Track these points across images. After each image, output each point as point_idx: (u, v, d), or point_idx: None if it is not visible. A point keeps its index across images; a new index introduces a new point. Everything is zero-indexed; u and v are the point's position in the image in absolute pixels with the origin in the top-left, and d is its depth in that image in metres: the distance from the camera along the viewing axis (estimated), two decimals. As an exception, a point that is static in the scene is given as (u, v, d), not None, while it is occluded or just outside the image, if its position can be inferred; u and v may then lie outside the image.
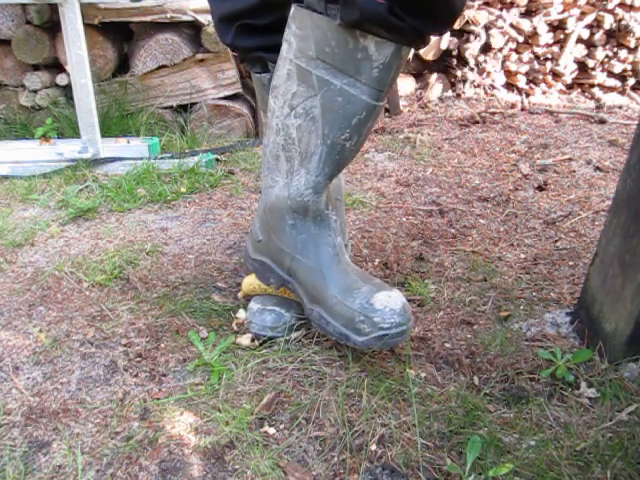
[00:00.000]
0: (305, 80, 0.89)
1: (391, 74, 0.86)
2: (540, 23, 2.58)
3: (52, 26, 2.01)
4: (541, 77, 2.71)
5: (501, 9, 2.60)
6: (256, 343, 1.02)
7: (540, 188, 1.71)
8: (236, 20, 0.99)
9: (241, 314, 1.09)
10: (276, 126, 0.95)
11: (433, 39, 2.26)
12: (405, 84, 2.67)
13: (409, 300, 1.15)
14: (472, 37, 2.57)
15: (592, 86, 2.74)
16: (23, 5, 1.98)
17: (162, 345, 1.03)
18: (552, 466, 0.77)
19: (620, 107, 2.58)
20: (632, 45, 2.63)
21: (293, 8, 0.87)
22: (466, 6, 2.51)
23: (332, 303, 0.95)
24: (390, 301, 0.91)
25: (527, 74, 2.71)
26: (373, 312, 0.91)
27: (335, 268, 0.97)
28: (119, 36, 2.17)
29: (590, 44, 2.67)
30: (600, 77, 2.71)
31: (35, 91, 2.10)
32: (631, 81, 2.74)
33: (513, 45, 2.65)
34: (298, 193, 0.97)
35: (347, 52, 0.84)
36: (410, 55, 2.56)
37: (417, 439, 0.82)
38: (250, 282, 1.10)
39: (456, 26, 2.56)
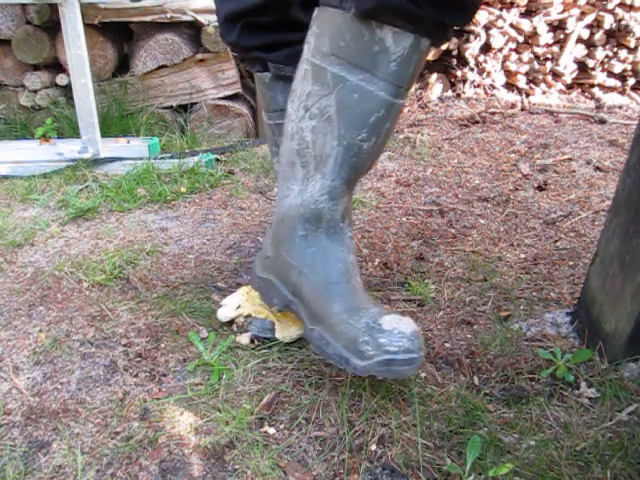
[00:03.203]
0: (320, 78, 0.84)
1: (410, 69, 0.80)
2: (540, 23, 2.58)
3: (52, 26, 2.01)
4: (541, 77, 2.71)
5: (501, 9, 2.60)
6: (256, 342, 1.02)
7: (540, 188, 1.71)
8: (241, 18, 0.99)
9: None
10: (291, 131, 0.91)
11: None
12: (405, 84, 2.66)
13: (409, 300, 1.16)
14: (472, 37, 2.57)
15: (592, 86, 2.74)
16: (23, 5, 1.98)
17: (162, 345, 1.03)
18: (552, 466, 0.77)
19: (620, 107, 2.58)
20: (632, 45, 2.63)
21: (315, 9, 0.84)
22: None
23: (335, 321, 0.86)
24: (400, 324, 0.82)
25: (527, 74, 2.71)
26: (380, 332, 0.81)
27: (343, 285, 0.89)
28: (119, 36, 2.17)
29: (590, 44, 2.67)
30: (600, 77, 2.71)
31: (35, 91, 2.09)
32: (631, 81, 2.74)
33: (513, 45, 2.65)
34: (312, 200, 0.90)
35: (362, 45, 0.79)
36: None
37: (417, 439, 0.82)
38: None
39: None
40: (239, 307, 1.06)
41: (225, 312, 1.06)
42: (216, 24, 2.02)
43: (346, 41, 0.80)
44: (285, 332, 1.01)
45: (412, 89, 2.68)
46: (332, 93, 0.84)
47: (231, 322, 1.07)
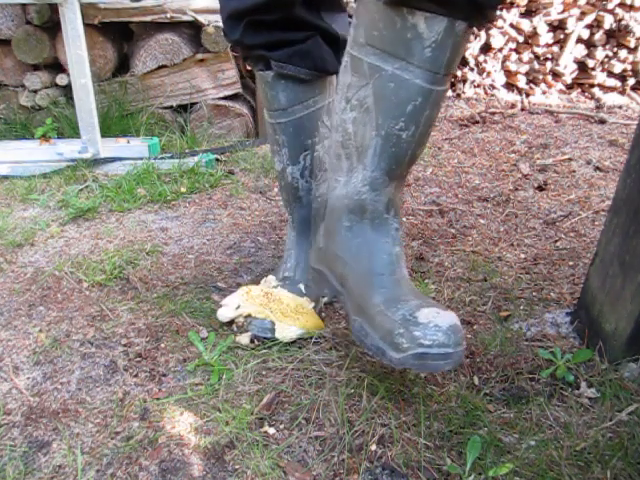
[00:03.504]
0: (357, 69, 0.84)
1: (447, 54, 0.78)
2: (540, 23, 2.58)
3: (52, 26, 2.01)
4: (541, 77, 2.71)
5: (501, 9, 2.60)
6: (256, 342, 1.02)
7: (540, 188, 1.71)
8: (245, 16, 0.99)
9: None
10: (335, 123, 0.91)
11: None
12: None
13: (409, 300, 1.15)
14: (472, 37, 2.57)
15: (592, 86, 2.74)
16: (23, 5, 1.98)
17: (162, 345, 1.03)
18: (552, 466, 0.77)
19: (620, 107, 2.58)
20: (632, 45, 2.63)
21: (357, 2, 0.83)
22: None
23: (374, 313, 0.85)
24: (437, 317, 0.79)
25: (527, 74, 2.71)
26: (415, 325, 0.79)
27: (387, 277, 0.88)
28: (119, 36, 2.17)
29: (590, 44, 2.67)
30: (600, 77, 2.71)
31: (35, 91, 2.10)
32: (631, 81, 2.74)
33: (513, 45, 2.65)
34: (355, 191, 0.90)
35: (395, 33, 0.78)
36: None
37: (417, 439, 0.82)
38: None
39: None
40: (239, 307, 1.06)
41: (225, 312, 1.06)
42: (216, 24, 2.02)
43: (379, 30, 0.79)
44: (285, 332, 1.01)
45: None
46: (369, 83, 0.83)
47: (231, 322, 1.07)
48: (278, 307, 1.04)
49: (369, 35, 0.81)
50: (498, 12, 0.82)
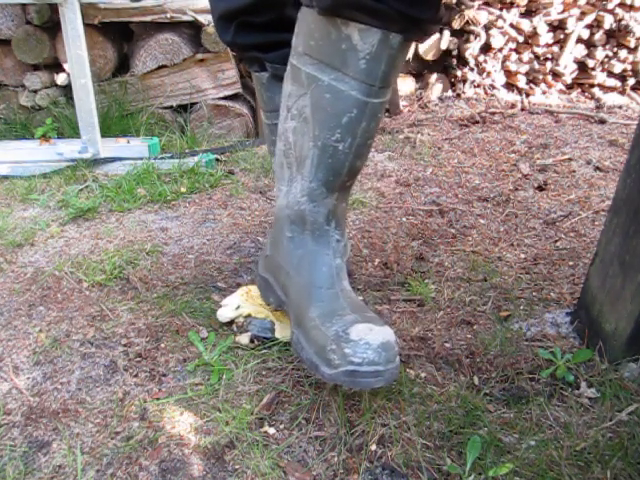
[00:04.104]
0: (297, 78, 0.84)
1: (382, 66, 0.77)
2: (540, 23, 2.58)
3: (52, 26, 2.01)
4: (541, 77, 2.71)
5: (501, 9, 2.60)
6: (256, 342, 1.02)
7: (540, 188, 1.71)
8: (235, 18, 0.99)
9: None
10: (279, 131, 0.90)
11: (430, 36, 2.21)
12: (405, 84, 2.67)
13: (409, 300, 1.16)
14: (472, 37, 2.57)
15: (592, 86, 2.74)
16: (23, 5, 1.98)
17: (162, 345, 1.03)
18: (552, 466, 0.77)
19: (620, 107, 2.58)
20: (632, 45, 2.63)
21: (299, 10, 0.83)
22: (460, 9, 2.51)
23: (310, 326, 0.85)
24: (369, 334, 0.78)
25: (527, 74, 2.71)
26: (346, 342, 0.78)
27: (325, 290, 0.88)
28: (119, 36, 2.17)
29: (590, 44, 2.67)
30: (600, 77, 2.71)
31: (35, 91, 2.10)
32: (631, 81, 2.74)
33: (513, 45, 2.65)
34: (295, 201, 0.90)
35: (331, 43, 0.77)
36: (410, 54, 2.56)
37: (417, 439, 0.82)
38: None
39: (456, 26, 2.56)
40: (239, 307, 1.06)
41: (225, 312, 1.06)
42: (216, 24, 2.02)
43: (316, 40, 0.79)
44: (285, 332, 1.01)
45: (412, 89, 2.68)
46: (307, 93, 0.82)
47: (231, 322, 1.07)
48: None
49: (307, 45, 0.80)
50: (437, 28, 0.81)
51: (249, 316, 1.05)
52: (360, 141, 0.84)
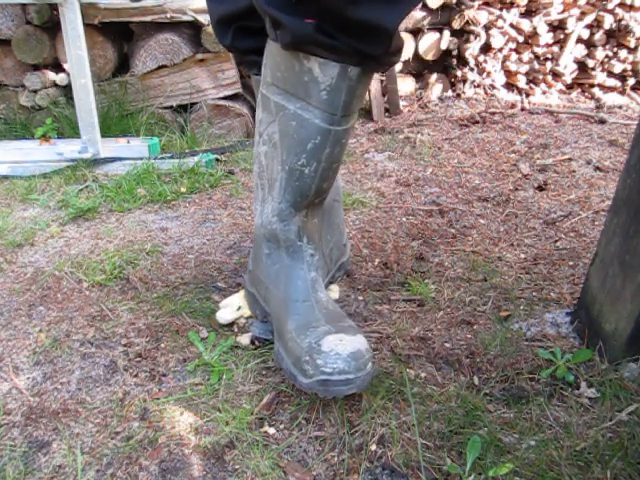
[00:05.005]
0: (266, 106, 0.89)
1: (342, 96, 0.82)
2: (540, 23, 2.58)
3: (52, 26, 2.01)
4: (541, 77, 2.71)
5: (501, 9, 2.60)
6: (256, 343, 1.02)
7: (540, 188, 1.71)
8: (234, 22, 0.99)
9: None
10: (254, 155, 0.96)
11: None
12: (405, 84, 2.67)
13: (409, 300, 1.16)
14: (472, 37, 2.57)
15: (592, 86, 2.74)
16: (23, 5, 1.98)
17: (162, 345, 1.03)
18: (552, 466, 0.77)
19: (620, 107, 2.58)
20: (632, 45, 2.63)
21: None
22: (462, 11, 2.51)
23: (287, 338, 0.90)
24: (339, 345, 0.83)
25: (527, 74, 2.71)
26: (318, 353, 0.83)
27: (300, 303, 0.93)
28: (119, 36, 2.17)
29: (590, 44, 2.67)
30: (600, 77, 2.71)
31: (35, 91, 2.10)
32: (631, 81, 2.74)
33: (513, 45, 2.65)
34: (267, 221, 0.96)
35: (295, 75, 0.82)
36: (410, 54, 2.56)
37: (417, 439, 0.82)
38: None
39: (456, 26, 2.56)
40: (239, 308, 1.06)
41: (225, 315, 1.06)
42: (216, 24, 2.02)
43: (282, 71, 0.84)
44: None
45: (412, 89, 2.68)
46: (275, 120, 0.88)
47: (231, 323, 1.07)
48: None
49: (274, 76, 0.86)
50: (397, 59, 0.86)
51: (250, 317, 1.05)
52: (325, 165, 0.89)
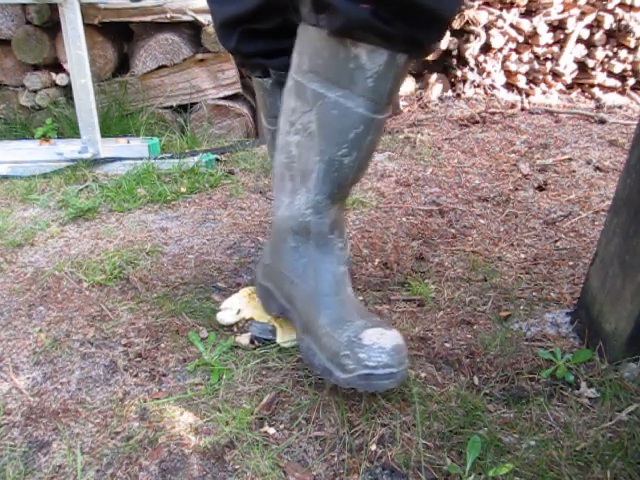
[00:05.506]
0: (301, 95, 0.86)
1: (388, 84, 0.81)
2: (540, 23, 2.58)
3: (52, 26, 2.01)
4: (541, 77, 2.71)
5: (501, 9, 2.60)
6: (256, 343, 1.02)
7: (540, 188, 1.71)
8: (238, 25, 0.97)
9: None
10: (280, 143, 0.92)
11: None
12: (405, 84, 2.67)
13: (409, 300, 1.16)
14: (472, 37, 2.57)
15: (592, 86, 2.74)
16: (23, 5, 1.98)
17: (162, 345, 1.03)
18: (552, 466, 0.77)
19: (620, 107, 2.58)
20: (632, 45, 2.63)
21: (299, 26, 0.85)
22: (460, 9, 2.51)
23: (321, 334, 0.88)
24: (381, 338, 0.83)
25: (527, 74, 2.71)
26: (360, 347, 0.82)
27: (332, 297, 0.91)
28: (119, 36, 2.17)
29: (590, 44, 2.67)
30: (600, 77, 2.71)
31: (35, 91, 2.10)
32: (631, 81, 2.74)
33: (513, 45, 2.65)
34: (299, 213, 0.92)
35: (339, 62, 0.80)
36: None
37: (417, 439, 0.82)
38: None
39: (456, 26, 2.56)
40: (239, 312, 1.06)
41: (225, 317, 1.06)
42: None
43: (324, 58, 0.81)
44: (286, 337, 1.01)
45: (412, 89, 2.68)
46: (313, 110, 0.85)
47: (231, 325, 1.07)
48: None
49: (313, 63, 0.83)
50: (437, 46, 0.84)
51: (251, 319, 1.05)
52: (364, 154, 0.87)
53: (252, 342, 1.02)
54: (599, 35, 2.64)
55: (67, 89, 2.10)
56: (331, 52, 0.80)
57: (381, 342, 0.82)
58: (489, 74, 2.68)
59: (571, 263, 1.29)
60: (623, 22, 2.59)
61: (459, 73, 2.67)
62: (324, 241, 0.93)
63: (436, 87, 2.68)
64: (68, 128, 2.05)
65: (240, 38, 0.98)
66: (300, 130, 0.87)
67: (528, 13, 2.64)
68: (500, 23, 2.56)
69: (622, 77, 2.74)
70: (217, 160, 1.92)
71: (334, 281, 0.92)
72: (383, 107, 0.83)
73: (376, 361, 0.80)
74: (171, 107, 2.16)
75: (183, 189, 1.69)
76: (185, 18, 2.04)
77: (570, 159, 1.94)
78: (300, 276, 0.94)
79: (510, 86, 2.74)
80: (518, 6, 2.61)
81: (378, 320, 0.89)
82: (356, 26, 0.75)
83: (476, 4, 2.57)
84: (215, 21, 1.01)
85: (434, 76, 2.68)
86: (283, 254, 0.97)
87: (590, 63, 2.68)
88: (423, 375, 0.95)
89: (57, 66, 2.12)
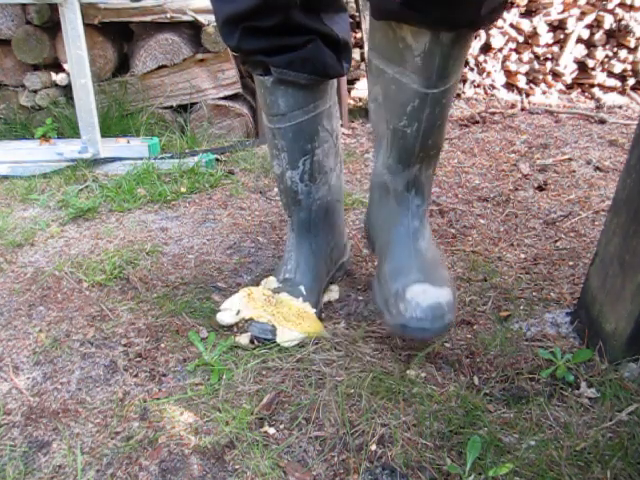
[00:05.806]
0: (370, 68, 0.93)
1: (435, 61, 0.83)
2: (540, 23, 2.58)
3: (52, 26, 2.01)
4: (541, 77, 2.71)
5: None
6: (256, 343, 1.02)
7: (540, 188, 1.71)
8: (240, 22, 0.97)
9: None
10: (369, 109, 1.01)
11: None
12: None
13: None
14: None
15: (592, 86, 2.74)
16: (23, 5, 1.98)
17: (162, 345, 1.03)
18: (552, 466, 0.77)
19: (620, 107, 2.58)
20: (632, 45, 2.63)
21: None
22: None
23: (382, 280, 0.98)
24: (421, 295, 0.91)
25: (527, 74, 2.71)
26: (401, 300, 0.91)
27: (400, 248, 0.98)
28: (119, 36, 2.17)
29: (590, 44, 2.67)
30: (600, 77, 2.71)
31: (35, 91, 2.10)
32: (631, 81, 2.74)
33: (513, 45, 2.65)
34: (379, 171, 1.01)
35: (390, 42, 0.85)
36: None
37: (417, 439, 0.82)
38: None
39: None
40: (239, 312, 1.06)
41: (225, 318, 1.05)
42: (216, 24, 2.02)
43: (378, 38, 0.87)
44: (286, 336, 1.00)
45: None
46: (377, 83, 0.92)
47: (231, 325, 1.07)
48: (280, 311, 1.04)
49: (372, 42, 0.90)
50: (495, 16, 0.85)
51: (251, 319, 1.05)
52: (426, 125, 0.91)
53: (252, 342, 1.02)
54: (599, 35, 2.64)
55: (67, 89, 2.10)
56: (382, 33, 0.86)
57: (419, 298, 0.90)
58: (489, 74, 2.68)
59: (571, 263, 1.29)
60: (623, 22, 2.59)
61: (459, 73, 2.66)
62: (401, 198, 1.00)
63: (436, 87, 2.68)
64: (68, 128, 2.05)
65: (242, 36, 0.98)
66: (374, 100, 0.95)
67: (528, 13, 2.64)
68: (500, 23, 2.56)
69: (622, 77, 2.74)
70: (217, 160, 1.92)
71: (405, 233, 0.99)
72: (436, 82, 0.86)
73: (410, 315, 0.90)
74: (171, 107, 2.16)
75: (183, 189, 1.69)
76: (185, 18, 2.04)
77: (570, 159, 1.94)
78: (380, 225, 1.05)
79: (510, 86, 2.74)
80: (518, 6, 2.61)
81: (437, 276, 0.95)
82: (391, 17, 0.80)
83: (476, 4, 2.56)
84: (218, 19, 1.02)
85: (434, 76, 2.68)
86: (372, 204, 1.08)
87: (590, 63, 2.68)
88: (423, 375, 0.95)
89: (57, 66, 2.12)
